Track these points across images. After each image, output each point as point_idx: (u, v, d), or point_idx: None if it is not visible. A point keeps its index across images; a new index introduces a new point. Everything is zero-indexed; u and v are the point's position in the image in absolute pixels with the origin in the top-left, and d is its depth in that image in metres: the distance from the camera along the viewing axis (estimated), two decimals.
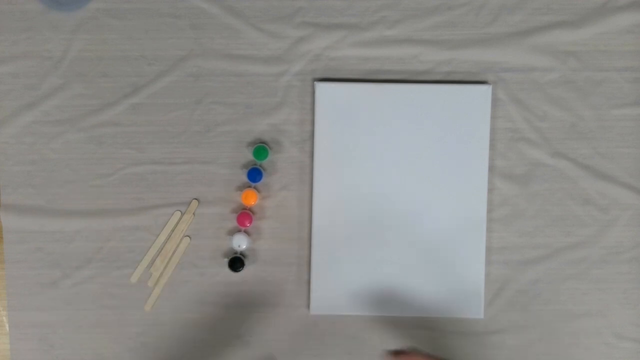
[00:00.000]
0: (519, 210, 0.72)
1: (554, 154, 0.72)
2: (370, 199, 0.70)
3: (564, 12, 0.71)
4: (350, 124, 0.70)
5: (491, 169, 0.71)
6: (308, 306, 0.72)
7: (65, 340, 0.72)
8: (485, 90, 0.70)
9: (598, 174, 0.72)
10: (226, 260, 0.71)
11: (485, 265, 0.71)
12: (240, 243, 0.70)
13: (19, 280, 0.72)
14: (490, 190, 0.71)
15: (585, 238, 0.72)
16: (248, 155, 0.72)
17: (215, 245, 0.72)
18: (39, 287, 0.72)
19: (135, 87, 0.71)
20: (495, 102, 0.71)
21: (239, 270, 0.71)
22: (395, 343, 0.72)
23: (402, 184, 0.70)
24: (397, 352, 0.60)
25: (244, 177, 0.71)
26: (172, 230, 0.72)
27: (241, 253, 0.71)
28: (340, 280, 0.71)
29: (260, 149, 0.70)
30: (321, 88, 0.70)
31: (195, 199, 0.72)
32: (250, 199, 0.70)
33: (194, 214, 0.72)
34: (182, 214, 0.72)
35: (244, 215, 0.70)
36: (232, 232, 0.71)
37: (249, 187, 0.71)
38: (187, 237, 0.72)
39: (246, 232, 0.71)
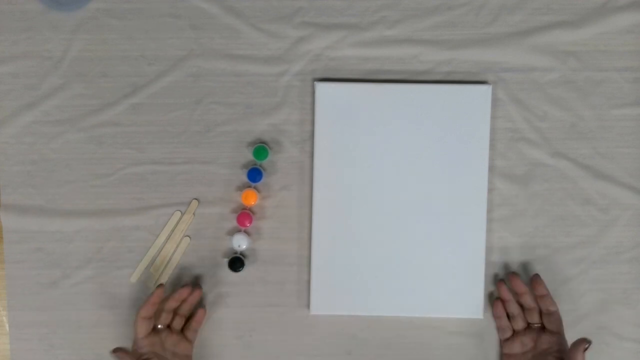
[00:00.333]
0: (519, 210, 0.72)
1: (554, 154, 0.72)
2: (370, 198, 0.70)
3: (564, 12, 0.71)
4: (350, 124, 0.70)
5: (491, 169, 0.71)
6: (308, 306, 0.72)
7: (65, 340, 0.72)
8: (485, 90, 0.70)
9: (598, 174, 0.72)
10: (226, 260, 0.71)
11: (485, 265, 0.71)
12: (240, 243, 0.70)
13: (19, 280, 0.72)
14: (490, 190, 0.71)
15: (585, 238, 0.72)
16: (248, 155, 0.72)
17: (215, 245, 0.72)
18: (39, 287, 0.72)
19: (135, 87, 0.71)
20: (495, 102, 0.71)
21: (239, 270, 0.71)
22: (395, 343, 0.72)
23: (402, 183, 0.70)
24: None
25: (244, 177, 0.71)
26: (172, 230, 0.72)
27: (241, 253, 0.71)
28: (340, 280, 0.71)
29: (260, 149, 0.70)
30: (321, 88, 0.70)
31: (195, 199, 0.72)
32: (250, 199, 0.70)
33: (194, 214, 0.72)
34: (182, 214, 0.72)
35: (244, 215, 0.70)
36: (232, 232, 0.71)
37: (249, 187, 0.71)
38: (187, 237, 0.72)
39: (246, 232, 0.71)
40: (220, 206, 0.72)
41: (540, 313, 0.68)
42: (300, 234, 0.72)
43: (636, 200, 0.72)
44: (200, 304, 0.71)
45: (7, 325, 0.72)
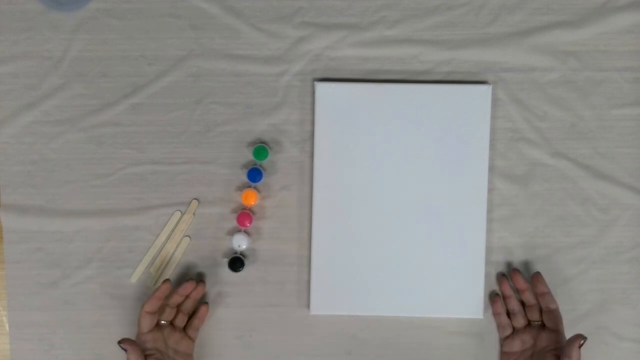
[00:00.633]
0: (519, 210, 0.72)
1: (554, 154, 0.72)
2: (370, 198, 0.70)
3: (564, 12, 0.71)
4: (350, 124, 0.70)
5: (491, 169, 0.71)
6: (308, 306, 0.72)
7: (65, 340, 0.72)
8: (485, 90, 0.70)
9: (598, 174, 0.72)
10: (226, 260, 0.71)
11: (485, 265, 0.71)
12: (240, 243, 0.70)
13: (19, 280, 0.72)
14: (490, 190, 0.71)
15: (585, 238, 0.72)
16: (248, 155, 0.72)
17: (215, 245, 0.72)
18: (39, 287, 0.72)
19: (135, 87, 0.71)
20: (495, 102, 0.71)
21: (239, 270, 0.71)
22: (395, 343, 0.72)
23: (402, 183, 0.70)
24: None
25: (244, 177, 0.71)
26: (172, 230, 0.72)
27: (241, 253, 0.71)
28: (340, 280, 0.71)
29: (260, 149, 0.70)
30: (321, 88, 0.70)
31: (195, 199, 0.72)
32: (250, 199, 0.70)
33: (194, 214, 0.72)
34: (182, 214, 0.72)
35: (244, 215, 0.70)
36: (232, 232, 0.71)
37: (249, 187, 0.71)
38: (187, 237, 0.72)
39: (246, 232, 0.71)
40: (220, 206, 0.72)
41: (541, 311, 0.68)
42: (300, 234, 0.72)
43: (636, 200, 0.72)
44: (202, 301, 0.71)
45: (7, 325, 0.72)
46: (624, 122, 0.72)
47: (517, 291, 0.70)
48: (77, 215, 0.72)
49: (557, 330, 0.66)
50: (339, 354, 0.72)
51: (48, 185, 0.71)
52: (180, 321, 0.69)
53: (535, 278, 0.68)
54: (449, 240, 0.70)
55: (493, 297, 0.71)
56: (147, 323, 0.65)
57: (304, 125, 0.72)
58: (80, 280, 0.72)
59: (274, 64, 0.71)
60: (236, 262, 0.70)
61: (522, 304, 0.70)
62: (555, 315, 0.67)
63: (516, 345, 0.69)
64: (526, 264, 0.72)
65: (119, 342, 0.63)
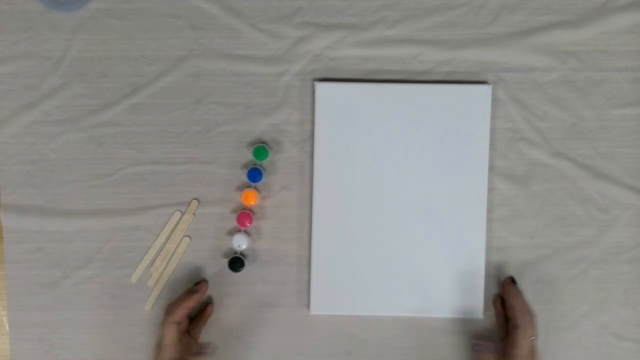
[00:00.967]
0: (519, 210, 0.72)
1: (554, 154, 0.72)
2: (370, 198, 0.70)
3: (564, 12, 0.71)
4: (350, 124, 0.70)
5: (491, 169, 0.71)
6: (308, 306, 0.72)
7: (65, 340, 0.72)
8: (485, 90, 0.70)
9: (598, 174, 0.72)
10: (226, 260, 0.71)
11: (485, 265, 0.71)
12: (240, 243, 0.70)
13: (19, 280, 0.72)
14: (490, 190, 0.71)
15: (585, 238, 0.72)
16: (248, 155, 0.72)
17: (215, 245, 0.72)
18: (39, 287, 0.72)
19: (135, 87, 0.71)
20: (495, 102, 0.71)
21: (239, 270, 0.71)
22: (395, 343, 0.72)
23: (402, 183, 0.70)
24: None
25: (244, 177, 0.71)
26: (172, 230, 0.72)
27: (241, 253, 0.71)
28: (340, 280, 0.71)
29: (260, 149, 0.70)
30: (321, 88, 0.70)
31: (195, 199, 0.72)
32: (250, 199, 0.70)
33: (194, 214, 0.72)
34: (182, 214, 0.72)
35: (244, 215, 0.70)
36: (232, 232, 0.71)
37: (249, 187, 0.71)
38: (187, 237, 0.72)
39: (246, 232, 0.71)
40: (220, 206, 0.72)
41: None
42: (300, 234, 0.72)
43: (636, 200, 0.72)
44: (206, 301, 0.72)
45: (7, 325, 0.72)
46: (624, 122, 0.72)
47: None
48: (77, 215, 0.72)
49: (516, 347, 0.63)
50: (339, 354, 0.72)
51: (48, 185, 0.71)
52: (186, 324, 0.68)
53: (503, 286, 0.68)
54: (449, 240, 0.70)
55: (495, 297, 0.71)
56: (173, 333, 0.62)
57: (304, 125, 0.72)
58: (80, 280, 0.72)
59: (274, 64, 0.71)
60: (236, 262, 0.70)
61: None
62: (519, 332, 0.64)
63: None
64: (526, 264, 0.72)
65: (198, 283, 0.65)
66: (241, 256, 0.71)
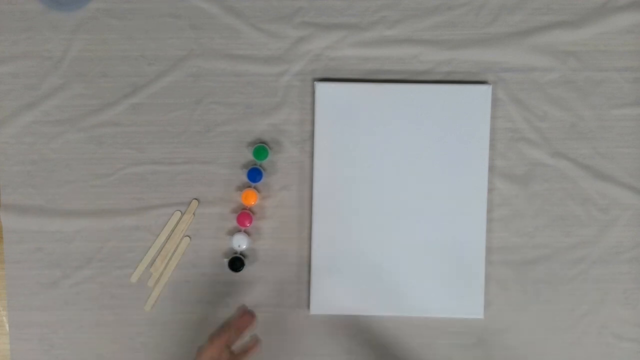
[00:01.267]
0: (519, 210, 0.72)
1: (554, 154, 0.72)
2: (370, 198, 0.70)
3: (564, 12, 0.71)
4: (350, 124, 0.70)
5: (491, 169, 0.71)
6: (308, 306, 0.72)
7: (65, 340, 0.72)
8: (485, 90, 0.70)
9: (598, 174, 0.72)
10: (226, 260, 0.71)
11: (485, 265, 0.71)
12: (240, 243, 0.70)
13: (19, 280, 0.72)
14: (490, 190, 0.71)
15: (585, 238, 0.72)
16: (248, 155, 0.72)
17: (215, 245, 0.72)
18: (39, 287, 0.72)
19: (135, 87, 0.71)
20: (495, 102, 0.71)
21: (239, 270, 0.71)
22: (395, 343, 0.72)
23: (402, 183, 0.70)
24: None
25: (244, 177, 0.71)
26: (172, 230, 0.72)
27: (241, 253, 0.71)
28: (340, 280, 0.71)
29: (260, 149, 0.70)
30: (321, 88, 0.70)
31: (195, 199, 0.72)
32: (250, 199, 0.70)
33: (194, 214, 0.72)
34: (182, 214, 0.72)
35: (244, 215, 0.70)
36: (232, 232, 0.71)
37: (249, 187, 0.71)
38: (187, 237, 0.72)
39: (246, 232, 0.71)
40: (220, 206, 0.72)
41: None
42: (300, 234, 0.72)
43: (636, 200, 0.72)
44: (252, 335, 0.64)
45: (7, 325, 0.72)
46: (624, 122, 0.72)
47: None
48: (77, 215, 0.72)
49: None
50: (339, 354, 0.72)
51: (48, 185, 0.71)
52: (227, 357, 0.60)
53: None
54: (449, 240, 0.70)
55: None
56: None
57: (304, 125, 0.72)
58: (80, 280, 0.72)
59: (274, 64, 0.71)
60: (236, 262, 0.70)
61: None
62: None
63: None
64: (526, 264, 0.72)
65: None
66: (241, 256, 0.71)
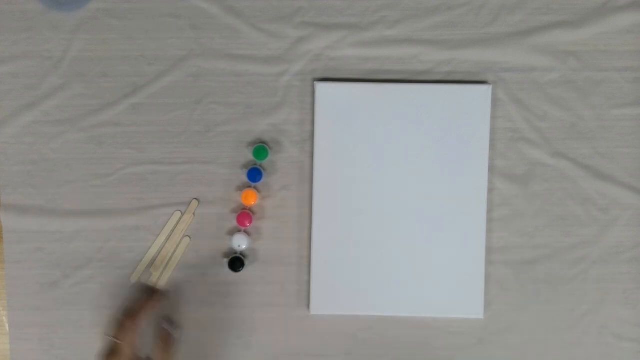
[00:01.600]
0: (519, 210, 0.72)
1: (554, 154, 0.72)
2: (370, 199, 0.70)
3: (564, 12, 0.71)
4: (350, 124, 0.70)
5: (491, 169, 0.71)
6: (308, 306, 0.72)
7: (65, 340, 0.72)
8: (485, 90, 0.70)
9: (598, 174, 0.72)
10: (226, 261, 0.71)
11: (485, 265, 0.71)
12: (240, 243, 0.70)
13: (19, 280, 0.72)
14: (490, 190, 0.71)
15: (585, 238, 0.72)
16: (248, 155, 0.72)
17: (215, 245, 0.72)
18: (39, 287, 0.72)
19: (135, 87, 0.71)
20: (495, 102, 0.71)
21: (239, 270, 0.71)
22: (395, 343, 0.72)
23: (402, 184, 0.70)
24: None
25: (244, 177, 0.71)
26: (172, 230, 0.72)
27: (241, 253, 0.71)
28: (340, 280, 0.71)
29: (260, 149, 0.70)
30: (321, 88, 0.70)
31: (195, 199, 0.72)
32: (250, 199, 0.70)
33: (194, 214, 0.72)
34: (182, 214, 0.72)
35: (244, 215, 0.70)
36: (232, 232, 0.71)
37: (249, 187, 0.71)
38: (187, 237, 0.72)
39: (246, 232, 0.71)
40: (220, 206, 0.72)
41: None
42: (300, 234, 0.72)
43: (636, 200, 0.72)
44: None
45: (7, 325, 0.72)
46: (624, 122, 0.72)
47: None
48: (77, 215, 0.72)
49: None
50: (339, 354, 0.72)
51: (48, 185, 0.71)
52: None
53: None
54: (449, 240, 0.70)
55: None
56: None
57: (304, 125, 0.72)
58: (80, 280, 0.72)
59: (274, 64, 0.71)
60: (236, 262, 0.70)
61: None
62: None
63: None
64: (526, 264, 0.72)
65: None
66: (241, 256, 0.71)
